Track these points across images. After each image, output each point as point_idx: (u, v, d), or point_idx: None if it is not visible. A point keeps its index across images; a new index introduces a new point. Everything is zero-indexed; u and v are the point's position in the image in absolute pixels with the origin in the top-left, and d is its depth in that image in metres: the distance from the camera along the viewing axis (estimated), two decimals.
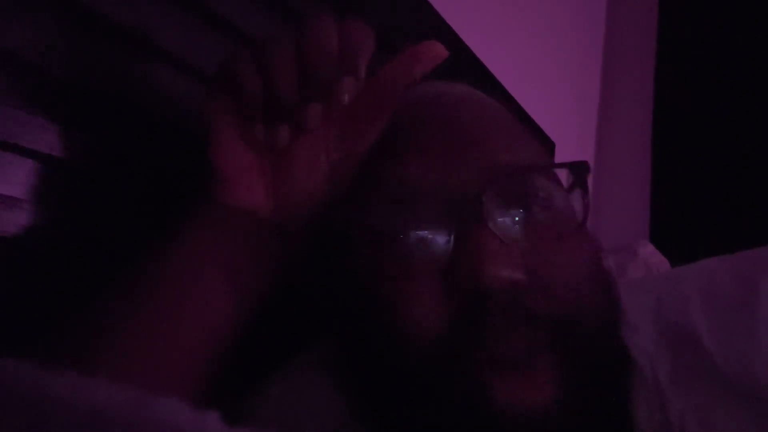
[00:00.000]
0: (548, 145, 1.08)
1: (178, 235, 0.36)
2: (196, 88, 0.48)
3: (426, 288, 0.33)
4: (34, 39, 0.38)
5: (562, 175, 0.38)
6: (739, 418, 0.32)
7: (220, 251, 0.36)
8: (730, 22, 1.38)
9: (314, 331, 0.46)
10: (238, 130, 0.36)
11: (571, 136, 1.32)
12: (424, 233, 0.34)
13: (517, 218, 0.34)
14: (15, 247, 0.38)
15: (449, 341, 0.32)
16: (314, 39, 0.33)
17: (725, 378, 0.33)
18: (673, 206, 1.36)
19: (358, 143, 0.37)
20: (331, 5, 0.59)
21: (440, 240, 0.34)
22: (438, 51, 0.34)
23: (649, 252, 0.44)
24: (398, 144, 0.36)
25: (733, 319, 0.35)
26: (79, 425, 0.19)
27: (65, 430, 0.19)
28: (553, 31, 1.22)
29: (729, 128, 1.34)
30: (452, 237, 0.33)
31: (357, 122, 0.37)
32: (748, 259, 0.38)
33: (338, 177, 0.38)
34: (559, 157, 1.09)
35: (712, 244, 0.45)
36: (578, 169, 0.36)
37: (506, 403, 0.31)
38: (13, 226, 0.38)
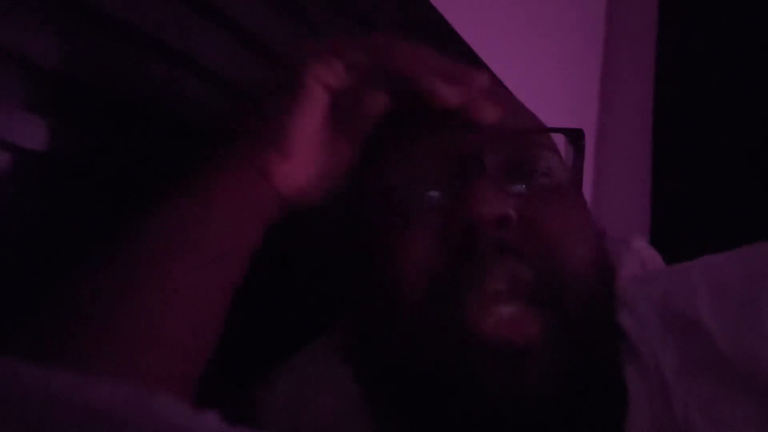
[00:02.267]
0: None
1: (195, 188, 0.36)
2: (190, 83, 0.48)
3: (426, 233, 0.35)
4: (23, 33, 0.38)
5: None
6: (746, 408, 0.33)
7: (237, 217, 0.36)
8: (731, 14, 1.38)
9: (321, 322, 0.46)
10: (326, 105, 0.37)
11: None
12: (428, 188, 0.36)
13: (517, 178, 0.36)
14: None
15: (443, 279, 0.34)
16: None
17: (732, 369, 0.34)
18: (674, 201, 1.36)
19: None
20: (332, 3, 0.59)
21: (444, 194, 0.36)
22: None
23: (641, 246, 0.44)
24: (411, 119, 0.38)
25: (740, 311, 0.35)
26: (78, 424, 0.19)
27: (64, 429, 0.19)
28: (552, 26, 1.22)
29: (730, 122, 1.34)
30: (453, 187, 0.35)
31: None
32: (755, 253, 0.39)
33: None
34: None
35: (714, 239, 0.45)
36: (574, 135, 0.38)
37: (495, 337, 0.32)
38: None
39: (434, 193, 0.36)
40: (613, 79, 1.45)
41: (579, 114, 1.39)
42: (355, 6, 0.62)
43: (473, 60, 0.85)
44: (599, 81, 1.46)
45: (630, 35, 1.46)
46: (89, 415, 0.19)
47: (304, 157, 0.38)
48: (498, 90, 0.42)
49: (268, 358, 0.44)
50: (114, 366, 0.31)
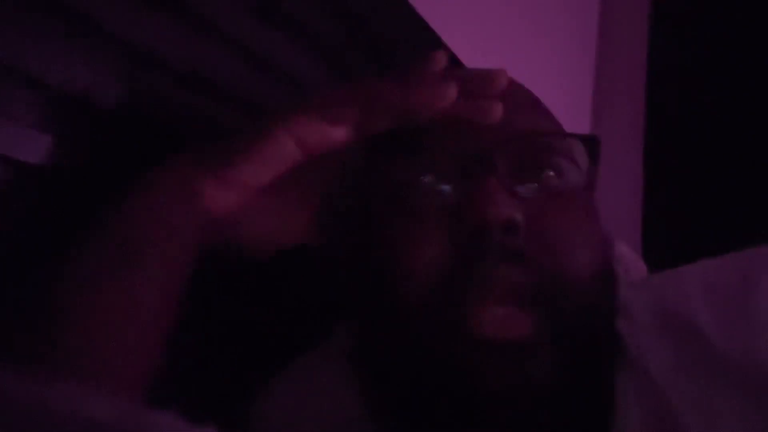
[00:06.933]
0: None
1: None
2: (193, 100, 0.48)
3: (434, 228, 0.36)
4: (26, 50, 0.38)
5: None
6: (741, 405, 0.33)
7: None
8: (724, 20, 1.38)
9: (316, 331, 0.47)
10: (294, 159, 0.37)
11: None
12: (439, 184, 0.37)
13: (527, 179, 0.37)
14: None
15: (447, 279, 0.34)
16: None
17: (726, 365, 0.34)
18: (666, 207, 1.36)
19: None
20: (323, 7, 0.59)
21: (453, 190, 0.36)
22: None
23: (623, 252, 0.45)
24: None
25: (735, 310, 0.35)
26: None
27: None
28: (544, 27, 1.22)
29: (723, 126, 1.34)
30: (463, 187, 0.36)
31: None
32: (747, 257, 0.39)
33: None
34: None
35: (706, 246, 0.45)
36: (590, 141, 0.39)
37: (489, 335, 0.33)
38: None
39: (443, 189, 0.37)
40: (605, 88, 1.46)
41: (571, 117, 1.40)
42: (348, 8, 0.62)
43: (457, 63, 0.85)
44: (592, 89, 1.47)
45: (622, 43, 1.47)
46: (86, 428, 0.19)
47: (248, 195, 0.38)
48: (517, 88, 0.43)
49: (263, 368, 0.44)
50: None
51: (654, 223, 1.36)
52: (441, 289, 0.34)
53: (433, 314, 0.34)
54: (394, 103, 0.36)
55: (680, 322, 0.37)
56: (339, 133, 0.37)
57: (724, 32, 1.38)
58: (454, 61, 0.83)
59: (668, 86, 1.42)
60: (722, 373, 0.34)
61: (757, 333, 0.34)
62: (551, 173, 0.37)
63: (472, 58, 0.85)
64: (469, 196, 0.35)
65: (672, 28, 1.44)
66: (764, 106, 1.28)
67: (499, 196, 0.34)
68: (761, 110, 1.28)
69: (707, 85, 1.38)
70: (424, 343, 0.35)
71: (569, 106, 1.38)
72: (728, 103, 1.34)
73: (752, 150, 1.28)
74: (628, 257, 0.45)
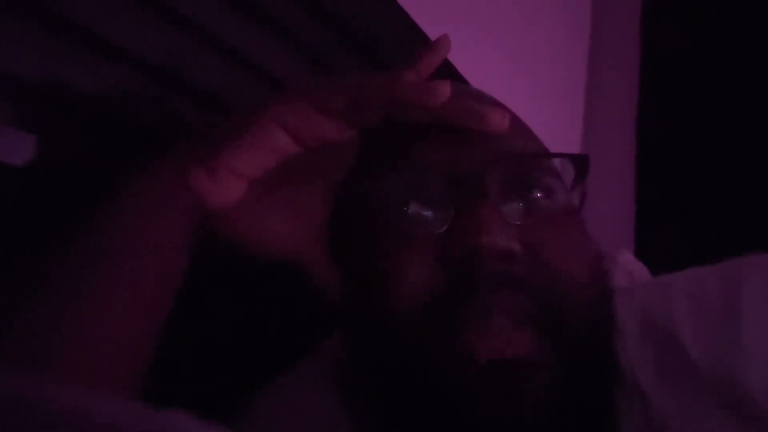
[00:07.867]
0: None
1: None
2: (175, 100, 0.48)
3: (422, 255, 0.35)
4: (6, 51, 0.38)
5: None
6: (722, 420, 0.33)
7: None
8: (716, 20, 1.38)
9: (305, 344, 0.46)
10: (286, 148, 0.36)
11: (555, 147, 1.31)
12: (427, 206, 0.36)
13: (517, 201, 0.36)
14: None
15: (441, 306, 0.34)
16: None
17: (707, 381, 0.34)
18: (659, 213, 1.36)
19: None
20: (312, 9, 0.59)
21: (441, 213, 0.35)
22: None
23: (628, 260, 0.45)
24: (412, 133, 0.37)
25: (718, 325, 0.35)
26: None
27: None
28: (536, 24, 1.22)
29: (716, 131, 1.34)
30: (452, 210, 0.35)
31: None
32: (733, 265, 0.39)
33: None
34: None
35: (698, 252, 0.45)
36: (579, 160, 0.38)
37: (487, 359, 0.32)
38: None
39: (433, 212, 0.36)
40: (598, 90, 1.46)
41: (563, 128, 1.40)
42: (336, 10, 0.62)
43: (451, 72, 0.86)
44: (584, 92, 1.47)
45: (614, 44, 1.47)
46: (95, 429, 0.19)
47: (242, 187, 0.36)
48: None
49: (251, 380, 0.44)
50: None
51: (646, 228, 1.36)
52: (434, 311, 0.34)
53: (426, 337, 0.34)
54: (385, 94, 0.35)
55: (662, 333, 0.37)
56: (329, 123, 0.36)
57: (720, 31, 1.38)
58: (446, 65, 0.83)
59: (660, 85, 1.42)
60: (701, 385, 0.34)
61: (738, 350, 0.34)
62: (541, 194, 0.37)
63: (463, 61, 0.86)
64: (462, 222, 0.34)
65: (664, 28, 1.44)
66: (757, 108, 1.28)
67: (493, 225, 0.33)
68: (755, 112, 1.28)
69: (700, 85, 1.38)
70: (419, 365, 0.34)
71: (562, 105, 1.39)
72: (721, 104, 1.34)
73: (746, 154, 1.28)
74: (633, 266, 0.45)
